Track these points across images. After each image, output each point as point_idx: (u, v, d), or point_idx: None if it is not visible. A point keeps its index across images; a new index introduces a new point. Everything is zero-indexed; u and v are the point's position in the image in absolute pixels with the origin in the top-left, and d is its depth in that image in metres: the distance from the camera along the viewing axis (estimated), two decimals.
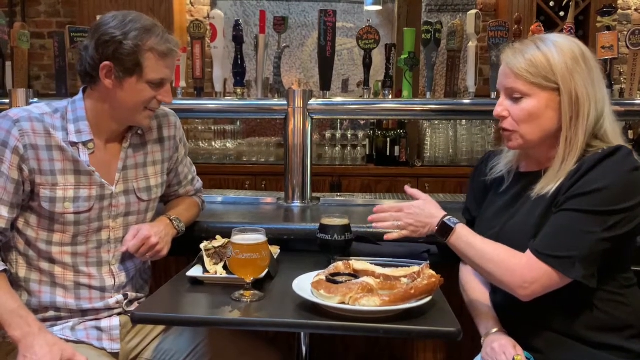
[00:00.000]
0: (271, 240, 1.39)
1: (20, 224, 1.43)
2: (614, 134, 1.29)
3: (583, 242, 1.19)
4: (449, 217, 1.35)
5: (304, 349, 1.50)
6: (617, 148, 1.23)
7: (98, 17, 1.50)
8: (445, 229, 1.34)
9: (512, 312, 1.36)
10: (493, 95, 2.16)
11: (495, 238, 1.32)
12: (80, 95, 1.49)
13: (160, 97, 1.47)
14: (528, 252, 1.23)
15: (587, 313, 1.26)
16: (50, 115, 1.44)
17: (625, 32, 2.12)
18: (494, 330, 1.36)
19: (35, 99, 2.20)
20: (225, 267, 1.41)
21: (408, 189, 1.48)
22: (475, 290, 1.47)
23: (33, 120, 1.40)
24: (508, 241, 1.29)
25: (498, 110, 1.34)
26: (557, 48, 1.28)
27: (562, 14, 3.83)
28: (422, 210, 1.39)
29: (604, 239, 1.19)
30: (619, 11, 4.25)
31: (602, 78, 1.31)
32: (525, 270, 1.22)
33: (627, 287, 1.29)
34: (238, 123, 4.34)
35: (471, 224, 1.49)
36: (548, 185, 1.28)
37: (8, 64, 2.35)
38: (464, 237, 1.31)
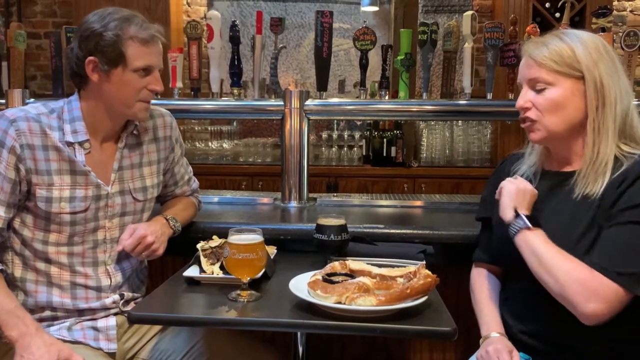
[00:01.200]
0: (268, 241, 1.39)
1: (17, 223, 1.43)
2: None
3: None
4: (519, 218, 1.28)
5: (300, 348, 1.50)
6: None
7: None
8: (519, 223, 1.28)
9: (517, 321, 1.34)
10: (489, 96, 2.17)
11: None
12: (75, 95, 1.49)
13: (150, 87, 1.46)
14: (593, 270, 1.16)
15: (604, 326, 1.19)
16: (46, 116, 1.44)
17: (621, 34, 2.13)
18: (494, 333, 1.35)
19: (32, 99, 2.20)
20: (222, 267, 1.42)
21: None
22: (485, 293, 1.45)
23: (30, 120, 1.40)
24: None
25: (520, 102, 1.32)
26: (581, 40, 1.27)
27: (557, 15, 3.84)
28: (505, 199, 1.32)
29: None
30: (614, 12, 4.27)
31: (624, 72, 1.30)
32: (598, 286, 1.14)
33: None
34: (235, 123, 4.34)
35: (489, 223, 1.47)
36: (590, 186, 1.25)
37: (4, 64, 2.35)
38: (534, 237, 1.24)
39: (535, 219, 1.28)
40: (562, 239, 1.23)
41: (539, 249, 1.23)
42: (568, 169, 1.34)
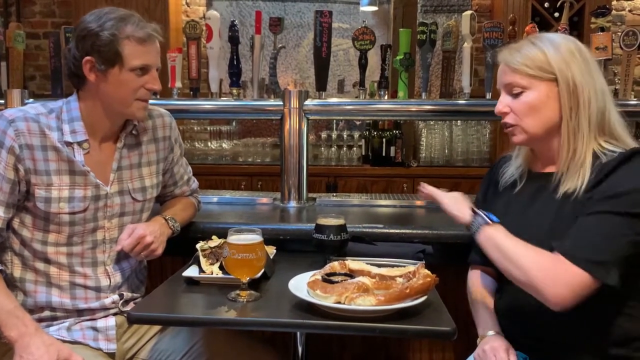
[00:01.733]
0: (267, 241, 1.39)
1: (16, 224, 1.43)
2: (622, 132, 1.29)
3: (618, 246, 1.16)
4: (477, 215, 1.33)
5: (300, 348, 1.50)
6: (638, 150, 1.23)
7: None
8: (477, 223, 1.32)
9: (513, 320, 1.36)
10: (488, 95, 2.17)
11: (521, 237, 1.28)
12: (74, 95, 1.49)
13: (148, 86, 1.46)
14: (559, 255, 1.18)
15: (598, 323, 1.24)
16: (45, 116, 1.44)
17: (619, 33, 2.13)
18: (491, 332, 1.36)
19: (31, 99, 2.20)
20: (221, 267, 1.42)
21: (425, 188, 1.53)
22: (481, 294, 1.46)
23: (29, 120, 1.40)
24: (533, 240, 1.26)
25: (499, 107, 1.36)
26: (553, 43, 1.30)
27: (556, 14, 3.84)
28: (453, 204, 1.41)
29: (633, 242, 1.16)
30: (613, 12, 4.27)
31: (600, 72, 1.31)
32: (560, 272, 1.16)
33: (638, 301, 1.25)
34: (234, 123, 4.34)
35: None
36: (571, 184, 1.27)
37: (3, 64, 2.35)
38: (494, 235, 1.28)
39: (490, 216, 1.32)
40: (546, 239, 1.24)
41: (501, 242, 1.26)
42: (551, 169, 1.36)
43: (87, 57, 1.40)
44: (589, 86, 1.27)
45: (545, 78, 1.28)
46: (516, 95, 1.32)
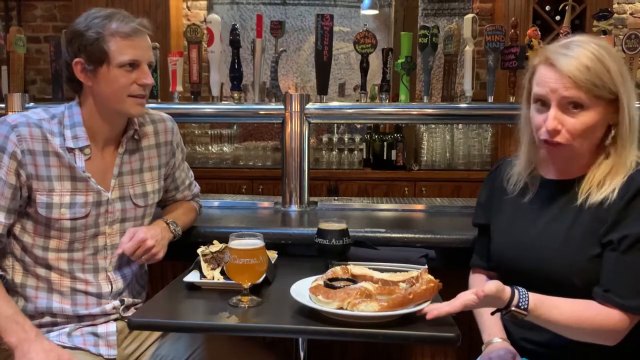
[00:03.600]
0: (268, 245, 1.39)
1: (17, 229, 1.42)
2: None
3: None
4: (515, 294, 1.18)
5: (301, 354, 1.49)
6: None
7: None
8: (519, 306, 1.18)
9: (524, 327, 1.32)
10: (490, 99, 2.16)
11: (531, 244, 1.30)
12: (76, 100, 1.49)
13: (139, 81, 1.44)
14: (604, 307, 1.18)
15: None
16: (47, 121, 1.43)
17: (621, 37, 2.12)
18: (497, 339, 1.34)
19: (31, 104, 2.20)
20: (222, 273, 1.41)
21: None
22: None
23: (31, 125, 1.40)
24: (544, 248, 1.27)
25: (553, 123, 1.21)
26: (610, 55, 1.22)
27: (557, 18, 3.84)
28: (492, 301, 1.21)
29: None
30: (614, 15, 4.26)
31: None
32: (619, 327, 1.17)
33: None
34: (235, 127, 4.34)
35: (486, 229, 1.47)
36: (593, 193, 1.23)
37: (4, 68, 2.34)
38: (542, 315, 1.19)
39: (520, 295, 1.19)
40: (562, 247, 1.23)
41: (551, 317, 1.19)
42: (568, 176, 1.32)
43: (76, 59, 1.40)
44: (635, 99, 1.22)
45: (608, 99, 1.21)
46: (572, 113, 1.21)
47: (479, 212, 1.52)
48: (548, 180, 1.36)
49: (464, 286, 1.54)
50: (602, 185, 1.24)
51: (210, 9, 4.55)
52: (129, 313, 1.51)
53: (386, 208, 2.25)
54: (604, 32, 2.11)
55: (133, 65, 1.42)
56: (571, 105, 1.21)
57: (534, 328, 1.29)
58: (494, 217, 1.45)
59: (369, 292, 1.20)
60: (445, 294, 1.32)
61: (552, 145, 1.24)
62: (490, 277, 1.48)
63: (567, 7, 2.25)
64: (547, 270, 1.26)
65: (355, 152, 4.22)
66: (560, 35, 2.15)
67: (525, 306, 1.17)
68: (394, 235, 1.75)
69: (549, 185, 1.35)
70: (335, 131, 4.27)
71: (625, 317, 1.17)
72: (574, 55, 1.20)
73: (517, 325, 1.35)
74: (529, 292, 1.19)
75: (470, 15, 2.17)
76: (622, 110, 1.21)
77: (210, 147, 4.24)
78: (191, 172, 1.80)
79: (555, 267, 1.25)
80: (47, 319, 1.44)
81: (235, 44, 2.23)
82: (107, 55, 1.39)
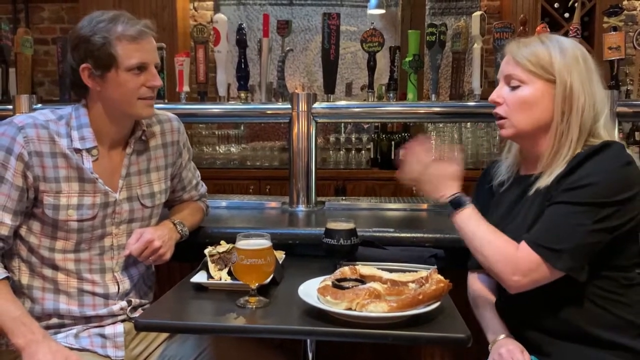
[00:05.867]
0: (276, 245, 1.38)
1: (23, 231, 1.42)
2: (611, 135, 1.31)
3: (573, 234, 1.20)
4: (460, 195, 1.36)
5: (310, 355, 1.48)
6: (609, 143, 1.25)
7: None
8: (453, 205, 1.35)
9: (515, 316, 1.36)
10: None
11: None
12: (83, 101, 1.48)
13: (148, 83, 1.44)
14: (522, 242, 1.25)
15: (592, 314, 1.26)
16: (54, 122, 1.43)
17: (632, 33, 2.10)
18: (502, 336, 1.35)
19: (39, 105, 2.20)
20: (229, 273, 1.40)
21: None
22: (482, 298, 1.46)
23: (38, 127, 1.39)
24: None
25: (493, 96, 1.38)
26: (561, 45, 1.32)
27: (566, 15, 3.81)
28: (443, 177, 1.40)
29: (594, 231, 1.20)
30: (624, 12, 4.23)
31: (601, 83, 1.33)
32: (520, 260, 1.23)
33: (628, 287, 1.28)
34: (242, 127, 4.33)
35: None
36: (543, 180, 1.30)
37: (12, 70, 2.35)
38: (467, 218, 1.33)
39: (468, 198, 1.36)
40: (518, 233, 1.27)
41: (475, 226, 1.32)
42: (534, 171, 1.37)
43: (84, 65, 1.39)
44: (586, 95, 1.29)
45: (544, 77, 1.30)
46: (513, 88, 1.33)
47: None
48: (519, 175, 1.44)
49: None
50: (549, 172, 1.30)
51: (216, 9, 4.55)
52: (137, 314, 1.50)
53: (394, 208, 2.24)
54: (615, 29, 2.09)
55: (141, 68, 1.42)
56: (512, 81, 1.33)
57: (527, 321, 1.32)
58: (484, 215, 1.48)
59: (377, 293, 1.18)
60: (455, 294, 1.31)
61: (498, 120, 1.37)
62: (486, 275, 1.49)
63: (576, 4, 2.23)
64: None
65: (363, 151, 4.20)
66: (570, 32, 2.13)
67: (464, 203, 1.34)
68: (402, 235, 1.73)
69: (520, 180, 1.42)
70: (343, 131, 4.26)
71: (526, 252, 1.22)
72: (523, 41, 1.36)
73: (511, 319, 1.37)
74: (473, 209, 1.34)
75: (478, 13, 2.16)
76: (557, 91, 1.28)
77: (217, 148, 4.24)
78: (198, 172, 1.79)
79: None
80: (54, 320, 1.44)
81: (241, 43, 2.22)
82: (115, 60, 1.38)
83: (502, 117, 1.36)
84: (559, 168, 1.28)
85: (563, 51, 1.30)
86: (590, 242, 1.21)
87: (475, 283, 1.51)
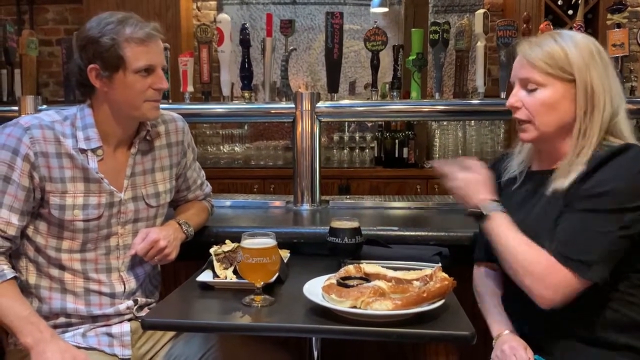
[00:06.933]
0: (281, 244, 1.38)
1: (30, 231, 1.43)
2: (628, 131, 1.28)
3: (602, 243, 1.18)
4: (491, 201, 1.33)
5: (315, 353, 1.49)
6: (628, 146, 1.23)
7: None
8: (485, 210, 1.33)
9: (521, 314, 1.35)
10: (502, 95, 2.14)
11: None
12: (88, 102, 1.49)
13: (155, 86, 1.44)
14: (551, 258, 1.21)
15: (600, 313, 1.24)
16: (60, 123, 1.44)
17: (635, 30, 2.10)
18: (506, 332, 1.35)
19: (44, 106, 2.21)
20: (235, 272, 1.41)
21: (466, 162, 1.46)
22: (488, 292, 1.46)
23: (44, 127, 1.40)
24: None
25: (511, 100, 1.34)
26: (575, 42, 1.28)
27: (570, 12, 3.80)
28: (474, 184, 1.38)
29: (620, 237, 1.18)
30: (628, 8, 4.21)
31: (616, 75, 1.30)
32: (547, 273, 1.20)
33: (639, 287, 1.26)
34: (246, 127, 4.35)
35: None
36: (561, 181, 1.27)
37: (17, 71, 2.37)
38: (497, 226, 1.30)
39: (501, 205, 1.33)
40: (535, 238, 1.25)
41: (507, 234, 1.28)
42: (548, 167, 1.35)
43: (92, 65, 1.39)
44: (606, 91, 1.26)
45: (563, 78, 1.26)
46: (531, 91, 1.30)
47: None
48: (532, 171, 1.42)
49: None
50: (568, 171, 1.26)
51: (220, 9, 4.56)
52: (143, 313, 1.51)
53: (398, 206, 2.24)
54: (618, 25, 2.08)
55: (148, 70, 1.43)
56: (530, 85, 1.30)
57: (532, 319, 1.31)
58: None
59: (382, 291, 1.19)
60: (460, 292, 1.31)
61: (519, 123, 1.34)
62: (492, 269, 1.49)
63: (580, 1, 2.22)
64: None
65: (367, 150, 4.21)
66: (573, 29, 2.13)
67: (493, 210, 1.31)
68: (406, 233, 1.74)
69: (532, 176, 1.40)
70: (346, 129, 4.27)
71: (556, 267, 1.19)
72: (534, 41, 1.31)
73: (516, 316, 1.37)
74: (505, 217, 1.30)
75: (481, 11, 2.15)
76: (578, 91, 1.25)
77: (221, 147, 4.26)
78: (202, 172, 1.80)
79: None
80: (61, 319, 1.45)
81: (245, 43, 2.23)
82: (123, 61, 1.39)
83: (523, 121, 1.33)
84: (577, 167, 1.25)
85: (578, 47, 1.27)
86: (617, 249, 1.18)
87: (481, 277, 1.50)
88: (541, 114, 1.29)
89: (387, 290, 1.20)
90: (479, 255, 1.53)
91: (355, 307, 1.16)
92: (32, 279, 1.45)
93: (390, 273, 1.32)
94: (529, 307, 1.29)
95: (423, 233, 1.73)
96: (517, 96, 1.33)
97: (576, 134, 1.27)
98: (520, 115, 1.33)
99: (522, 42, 1.34)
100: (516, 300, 1.35)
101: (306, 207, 2.15)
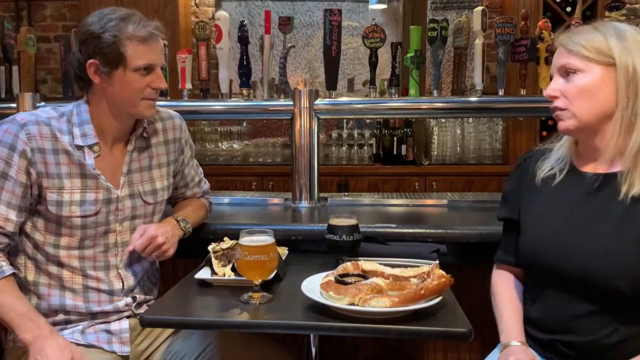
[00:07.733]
0: (279, 241, 1.38)
1: (28, 227, 1.43)
2: None
3: None
4: None
5: (313, 350, 1.49)
6: None
7: None
8: None
9: (548, 329, 1.29)
10: (501, 92, 2.14)
11: (570, 244, 1.23)
12: (84, 98, 1.49)
13: (153, 85, 1.45)
14: None
15: (634, 329, 1.19)
16: (56, 119, 1.44)
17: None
18: (514, 342, 1.29)
19: (42, 103, 2.21)
20: (233, 269, 1.41)
21: None
22: (505, 296, 1.40)
23: (40, 124, 1.40)
24: (587, 249, 1.21)
25: (548, 91, 1.27)
26: (617, 29, 1.22)
27: (568, 9, 3.80)
28: None
29: None
30: (627, 6, 4.21)
31: None
32: None
33: None
34: (244, 124, 4.34)
35: (514, 223, 1.40)
36: (637, 186, 1.19)
37: (15, 68, 2.36)
38: None
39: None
40: (615, 245, 1.18)
41: None
42: (603, 169, 1.26)
43: (91, 60, 1.40)
44: None
45: (603, 62, 1.20)
46: (569, 79, 1.24)
47: (505, 206, 1.44)
48: (583, 173, 1.30)
49: (476, 281, 1.53)
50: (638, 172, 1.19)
51: (218, 5, 4.55)
52: (142, 310, 1.51)
53: (397, 203, 2.24)
54: None
55: (148, 69, 1.43)
56: (568, 70, 1.24)
57: (567, 331, 1.25)
58: (524, 211, 1.38)
59: (380, 288, 1.19)
60: (457, 290, 1.31)
61: (556, 112, 1.27)
62: (516, 275, 1.43)
63: None
64: (590, 274, 1.20)
65: (365, 147, 4.20)
66: (571, 27, 2.13)
67: None
68: (404, 230, 1.74)
69: (583, 177, 1.29)
70: (345, 127, 4.26)
71: None
72: (574, 30, 1.27)
73: (541, 324, 1.31)
74: None
75: (479, 8, 2.15)
76: (618, 74, 1.19)
77: (220, 144, 4.25)
78: (200, 169, 1.80)
79: (600, 271, 1.18)
80: (60, 316, 1.45)
81: (243, 40, 2.23)
82: (124, 59, 1.39)
83: (561, 109, 1.25)
84: None
85: (620, 33, 1.20)
86: None
87: (501, 283, 1.43)
88: (579, 100, 1.22)
89: (384, 287, 1.20)
90: (503, 258, 1.45)
91: (353, 304, 1.17)
92: (31, 276, 1.45)
93: (388, 270, 1.33)
94: (558, 318, 1.24)
95: (421, 230, 1.73)
96: (555, 85, 1.26)
97: (618, 123, 1.20)
98: (558, 103, 1.26)
99: (561, 33, 1.29)
100: (543, 310, 1.29)
101: (304, 204, 2.15)
